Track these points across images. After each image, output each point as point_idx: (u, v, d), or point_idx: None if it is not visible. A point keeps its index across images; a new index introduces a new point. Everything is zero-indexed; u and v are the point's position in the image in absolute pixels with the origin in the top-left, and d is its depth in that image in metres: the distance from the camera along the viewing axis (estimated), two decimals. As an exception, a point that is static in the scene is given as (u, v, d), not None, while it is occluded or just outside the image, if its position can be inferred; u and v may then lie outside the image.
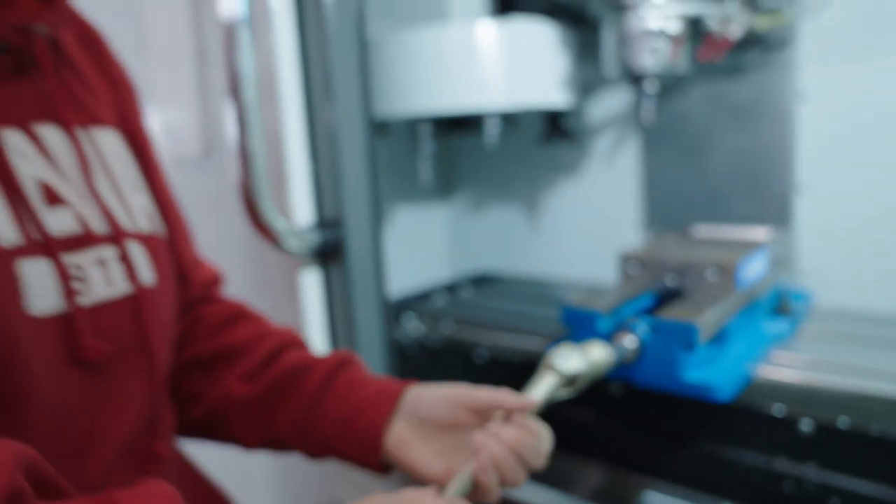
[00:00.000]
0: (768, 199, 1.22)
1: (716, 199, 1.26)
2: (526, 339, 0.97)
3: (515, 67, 1.11)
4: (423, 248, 1.47)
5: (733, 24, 1.05)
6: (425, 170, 1.17)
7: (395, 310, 1.06)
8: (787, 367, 0.80)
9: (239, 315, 0.70)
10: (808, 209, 1.16)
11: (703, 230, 1.09)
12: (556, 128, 1.30)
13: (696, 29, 1.06)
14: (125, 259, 0.50)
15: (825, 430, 0.73)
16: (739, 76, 1.17)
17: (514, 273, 1.45)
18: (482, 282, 1.37)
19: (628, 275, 0.89)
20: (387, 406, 0.61)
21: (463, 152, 1.51)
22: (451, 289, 1.27)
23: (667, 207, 1.33)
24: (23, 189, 0.45)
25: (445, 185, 1.51)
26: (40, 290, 0.43)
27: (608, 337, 0.77)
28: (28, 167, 0.46)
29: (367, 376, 0.65)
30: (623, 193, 1.34)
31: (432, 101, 1.09)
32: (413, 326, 1.02)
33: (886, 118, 1.06)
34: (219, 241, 0.87)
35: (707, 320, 0.75)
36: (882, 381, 0.74)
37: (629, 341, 0.75)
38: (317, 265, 0.79)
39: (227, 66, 0.71)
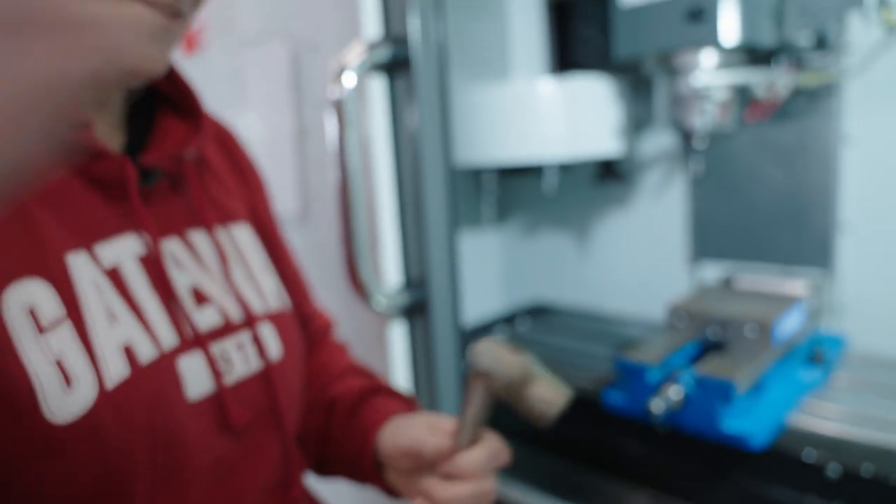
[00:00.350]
0: (811, 237, 1.30)
1: (761, 236, 1.34)
2: (582, 375, 1.08)
3: (574, 122, 1.21)
4: (478, 272, 1.59)
5: (779, 86, 1.13)
6: (488, 213, 1.28)
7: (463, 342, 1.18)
8: (818, 416, 0.90)
9: (312, 346, 0.79)
10: (850, 248, 1.23)
11: (746, 281, 1.18)
12: (608, 171, 1.39)
13: (743, 94, 1.14)
14: (257, 340, 0.62)
15: (850, 476, 0.83)
16: (785, 121, 1.25)
17: (567, 303, 1.55)
18: (538, 313, 1.48)
19: (675, 326, 1.00)
20: (370, 462, 0.67)
21: (517, 185, 1.61)
22: (509, 320, 1.39)
23: (712, 242, 1.41)
24: (178, 296, 0.56)
25: (500, 213, 1.63)
26: (195, 379, 0.54)
27: (657, 387, 0.88)
28: (182, 276, 0.58)
29: (374, 411, 0.69)
30: (670, 227, 1.43)
31: (497, 153, 1.21)
32: (478, 360, 1.15)
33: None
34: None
35: (744, 376, 0.86)
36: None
37: (675, 392, 0.86)
38: (403, 319, 0.92)
39: (337, 141, 0.83)
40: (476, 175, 1.32)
